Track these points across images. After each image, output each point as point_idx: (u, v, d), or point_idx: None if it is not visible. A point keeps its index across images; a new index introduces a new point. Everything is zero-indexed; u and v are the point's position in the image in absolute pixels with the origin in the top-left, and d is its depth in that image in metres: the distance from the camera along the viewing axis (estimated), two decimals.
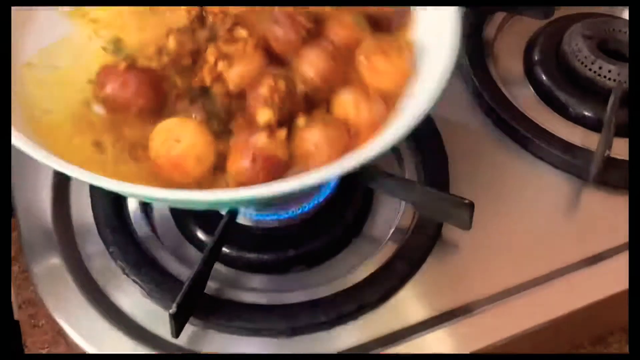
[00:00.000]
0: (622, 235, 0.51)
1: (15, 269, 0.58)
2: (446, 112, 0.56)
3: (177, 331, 0.43)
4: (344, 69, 0.44)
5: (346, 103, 0.42)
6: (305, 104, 0.41)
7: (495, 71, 0.63)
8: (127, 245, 0.48)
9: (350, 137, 0.41)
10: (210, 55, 0.41)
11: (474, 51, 0.63)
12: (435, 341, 0.46)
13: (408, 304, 0.47)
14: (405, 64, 0.45)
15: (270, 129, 0.39)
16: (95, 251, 0.50)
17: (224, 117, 0.40)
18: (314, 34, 0.44)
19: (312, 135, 0.40)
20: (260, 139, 0.39)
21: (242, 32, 0.42)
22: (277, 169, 0.39)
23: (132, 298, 0.48)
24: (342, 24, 0.46)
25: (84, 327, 0.47)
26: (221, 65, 0.41)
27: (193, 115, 0.41)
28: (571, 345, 0.52)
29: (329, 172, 0.38)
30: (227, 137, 0.41)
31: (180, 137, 0.39)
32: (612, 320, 0.53)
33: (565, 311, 0.47)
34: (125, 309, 0.47)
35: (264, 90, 0.40)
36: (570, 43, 0.62)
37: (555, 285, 0.49)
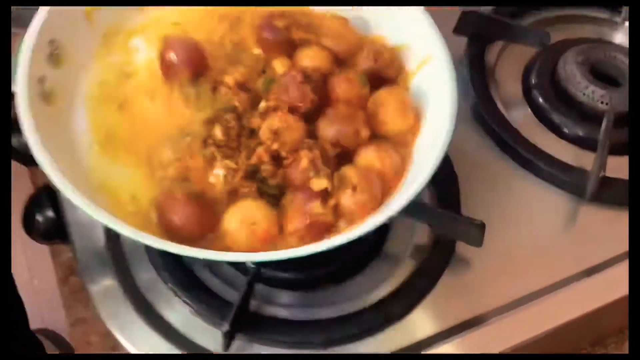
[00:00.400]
0: (618, 247, 0.57)
1: (65, 290, 0.63)
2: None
3: (227, 345, 0.49)
4: (355, 127, 0.50)
5: (370, 158, 0.48)
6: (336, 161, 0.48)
7: (496, 94, 0.68)
8: (176, 270, 0.53)
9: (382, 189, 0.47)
10: (264, 136, 0.47)
11: (476, 76, 0.68)
12: (453, 349, 0.51)
13: (428, 316, 0.53)
14: (409, 113, 0.51)
15: (323, 195, 0.45)
16: (145, 271, 0.55)
17: (278, 194, 0.47)
18: (323, 95, 0.50)
19: (352, 198, 0.46)
20: (316, 207, 0.45)
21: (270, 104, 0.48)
22: (326, 230, 0.46)
23: (180, 313, 0.53)
24: (347, 80, 0.52)
25: (137, 339, 0.52)
26: (276, 145, 0.46)
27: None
28: (573, 347, 0.58)
29: (370, 225, 0.44)
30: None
31: (255, 220, 0.45)
32: (609, 323, 0.58)
33: (568, 318, 0.53)
34: (174, 323, 0.53)
35: (305, 162, 0.46)
36: (565, 68, 0.67)
37: (558, 295, 0.54)
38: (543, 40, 0.67)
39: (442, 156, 0.46)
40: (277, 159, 0.47)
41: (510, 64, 0.71)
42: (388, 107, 0.51)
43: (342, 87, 0.52)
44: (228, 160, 0.47)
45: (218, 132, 0.47)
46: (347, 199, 0.46)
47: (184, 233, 0.45)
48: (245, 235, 0.44)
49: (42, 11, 0.49)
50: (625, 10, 0.73)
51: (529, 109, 0.68)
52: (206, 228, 0.45)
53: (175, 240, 0.43)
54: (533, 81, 0.69)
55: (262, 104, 0.49)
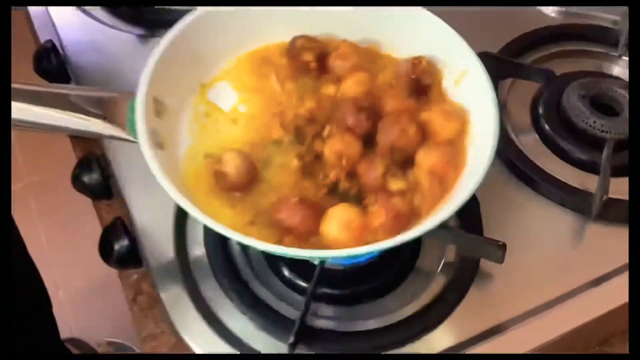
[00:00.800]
0: (620, 260, 0.65)
1: (135, 309, 0.71)
2: None
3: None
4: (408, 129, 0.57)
5: (430, 159, 0.56)
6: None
7: (507, 124, 0.76)
8: (242, 291, 0.62)
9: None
10: (331, 158, 0.56)
11: None
12: (487, 352, 0.60)
13: (458, 324, 0.61)
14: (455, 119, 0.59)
15: (402, 193, 0.54)
16: (209, 286, 0.64)
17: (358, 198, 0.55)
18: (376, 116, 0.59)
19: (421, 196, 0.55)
20: (398, 202, 0.53)
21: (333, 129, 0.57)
22: (407, 221, 0.53)
23: (241, 323, 0.61)
24: (394, 96, 0.60)
25: (201, 342, 0.61)
26: (345, 163, 0.55)
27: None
28: (583, 348, 0.67)
29: (443, 215, 0.51)
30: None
31: (349, 219, 0.52)
32: (614, 326, 0.67)
33: (579, 323, 0.61)
34: (237, 333, 0.61)
35: (380, 169, 0.54)
36: (569, 101, 0.76)
37: (570, 303, 0.62)
38: (548, 76, 0.76)
39: (492, 156, 0.53)
40: (350, 173, 0.56)
41: (519, 97, 0.79)
42: (435, 119, 0.58)
43: (390, 103, 0.59)
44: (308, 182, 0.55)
45: (295, 162, 0.56)
46: (417, 198, 0.54)
47: (298, 232, 0.53)
48: (344, 233, 0.52)
49: (146, 72, 0.57)
50: (622, 44, 0.82)
51: (538, 137, 0.76)
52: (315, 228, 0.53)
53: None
54: (540, 112, 0.77)
55: (325, 132, 0.57)
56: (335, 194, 0.55)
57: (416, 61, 0.61)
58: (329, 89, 0.62)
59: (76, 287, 1.78)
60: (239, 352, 0.60)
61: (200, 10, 0.63)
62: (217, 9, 0.63)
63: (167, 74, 0.59)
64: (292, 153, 0.57)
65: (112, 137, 0.57)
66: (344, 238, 0.52)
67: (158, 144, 0.55)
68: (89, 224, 1.82)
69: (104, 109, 0.56)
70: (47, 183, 1.88)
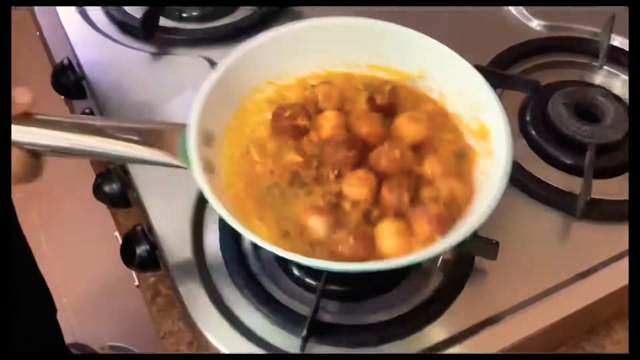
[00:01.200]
0: (604, 255, 0.71)
1: (153, 309, 0.76)
2: None
3: (303, 347, 0.63)
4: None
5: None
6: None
7: None
8: (256, 290, 0.67)
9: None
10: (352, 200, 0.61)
11: None
12: (477, 343, 0.65)
13: (456, 317, 0.66)
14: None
15: (436, 200, 0.59)
16: (225, 284, 0.69)
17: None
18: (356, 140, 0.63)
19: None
20: (433, 208, 0.58)
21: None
22: (448, 220, 0.59)
23: (255, 318, 0.66)
24: (367, 122, 0.65)
25: (219, 336, 0.65)
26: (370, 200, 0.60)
27: None
28: (571, 336, 0.72)
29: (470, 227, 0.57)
30: None
31: (402, 231, 0.58)
32: (599, 316, 0.72)
33: (566, 313, 0.67)
34: (252, 327, 0.66)
35: (398, 197, 0.59)
36: (554, 109, 0.81)
37: (558, 296, 0.68)
38: (534, 86, 0.81)
39: (504, 187, 0.58)
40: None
41: (508, 106, 0.82)
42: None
43: (364, 128, 0.65)
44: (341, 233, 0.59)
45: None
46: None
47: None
48: (401, 244, 0.57)
49: (196, 108, 0.63)
50: (602, 55, 0.88)
51: (526, 143, 0.82)
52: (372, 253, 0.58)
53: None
54: (528, 119, 0.83)
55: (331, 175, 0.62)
56: (370, 221, 0.60)
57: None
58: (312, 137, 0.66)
59: (78, 294, 1.82)
60: (254, 345, 0.64)
61: (240, 50, 0.68)
62: (255, 48, 0.69)
63: (213, 106, 0.65)
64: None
65: (163, 165, 0.62)
66: (401, 249, 0.57)
67: (208, 169, 0.61)
68: (89, 232, 1.86)
69: (155, 139, 0.62)
70: (48, 192, 1.92)
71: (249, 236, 0.57)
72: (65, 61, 0.87)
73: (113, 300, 1.78)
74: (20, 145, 0.60)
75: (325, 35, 0.70)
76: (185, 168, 0.61)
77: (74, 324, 1.76)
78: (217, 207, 0.57)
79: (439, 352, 0.64)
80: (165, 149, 0.62)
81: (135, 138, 0.62)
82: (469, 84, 0.67)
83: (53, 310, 1.36)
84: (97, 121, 0.64)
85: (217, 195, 0.58)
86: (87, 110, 0.82)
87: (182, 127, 0.62)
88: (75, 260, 1.87)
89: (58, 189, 1.93)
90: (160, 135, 0.62)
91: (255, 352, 0.64)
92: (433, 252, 0.56)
